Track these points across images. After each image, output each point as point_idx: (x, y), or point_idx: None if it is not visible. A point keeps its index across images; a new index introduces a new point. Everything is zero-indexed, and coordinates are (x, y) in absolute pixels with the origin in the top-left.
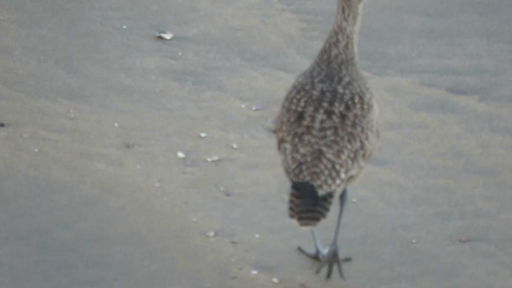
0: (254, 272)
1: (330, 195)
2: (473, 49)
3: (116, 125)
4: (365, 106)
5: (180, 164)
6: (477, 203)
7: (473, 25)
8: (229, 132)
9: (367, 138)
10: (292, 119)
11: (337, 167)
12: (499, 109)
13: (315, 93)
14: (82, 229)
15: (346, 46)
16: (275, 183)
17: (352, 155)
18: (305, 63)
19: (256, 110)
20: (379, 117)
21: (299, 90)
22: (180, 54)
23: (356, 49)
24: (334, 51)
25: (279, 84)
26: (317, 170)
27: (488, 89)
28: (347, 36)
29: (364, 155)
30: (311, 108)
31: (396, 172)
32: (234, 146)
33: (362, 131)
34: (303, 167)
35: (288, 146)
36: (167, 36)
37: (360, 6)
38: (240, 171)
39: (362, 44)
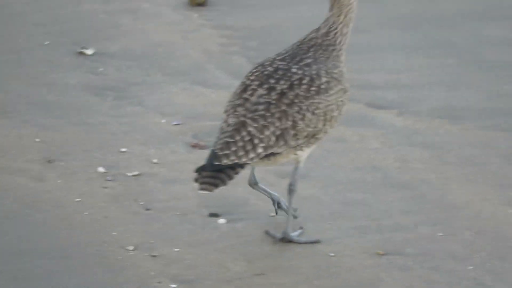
0: (173, 285)
1: (240, 166)
2: (392, 64)
3: (37, 140)
4: (314, 88)
5: (101, 179)
6: (394, 217)
7: (392, 40)
8: (149, 147)
9: (302, 119)
10: (238, 91)
11: (256, 141)
12: (417, 124)
13: (270, 69)
14: (2, 244)
15: (327, 33)
16: (194, 198)
17: (278, 132)
18: (224, 78)
19: (176, 125)
20: (341, 103)
21: (259, 65)
22: (101, 69)
23: (341, 39)
24: (312, 35)
25: (198, 99)
26: (231, 140)
27: (406, 103)
28: (329, 26)
29: (296, 135)
30: (256, 82)
31: (315, 186)
32: (154, 161)
33: (298, 111)
34: (222, 136)
35: (225, 116)
36: (89, 51)
37: (352, 1)
38: (160, 186)
39: None
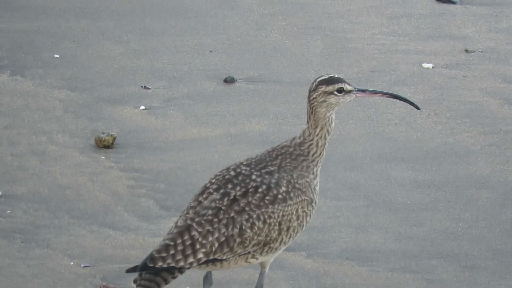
0: None
1: (178, 270)
2: None
3: None
4: (269, 198)
5: None
6: None
7: None
8: None
9: (251, 227)
10: (197, 193)
11: (197, 246)
12: (327, 266)
13: (232, 173)
14: None
15: (301, 144)
16: None
17: (222, 239)
18: (133, 221)
19: (84, 267)
20: (303, 214)
21: (224, 169)
22: (9, 212)
23: (315, 151)
24: (285, 143)
25: (107, 241)
26: (171, 243)
27: (315, 245)
28: (305, 138)
29: (243, 243)
30: (214, 186)
31: None
32: None
33: (247, 219)
34: (166, 237)
35: (179, 216)
36: None
37: (329, 115)
38: None
39: (187, 200)
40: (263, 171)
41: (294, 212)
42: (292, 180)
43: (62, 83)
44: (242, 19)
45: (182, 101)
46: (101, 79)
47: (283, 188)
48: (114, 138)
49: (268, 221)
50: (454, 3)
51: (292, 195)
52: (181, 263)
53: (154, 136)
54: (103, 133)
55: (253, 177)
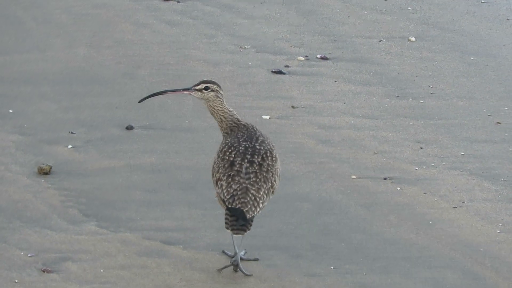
0: None
1: (252, 217)
2: (179, 214)
3: None
4: (273, 158)
5: None
6: None
7: (179, 197)
8: None
9: (275, 180)
10: (226, 165)
11: (258, 199)
12: (197, 254)
13: (241, 148)
14: None
15: (246, 123)
16: None
17: (266, 191)
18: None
19: (31, 256)
20: (279, 164)
21: (229, 146)
22: None
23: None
24: (243, 123)
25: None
26: (245, 200)
27: (189, 241)
28: (245, 124)
29: (273, 192)
30: (239, 159)
31: None
32: None
33: (272, 175)
34: (236, 197)
35: (223, 183)
36: None
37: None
38: None
39: (101, 209)
40: (259, 141)
41: (279, 168)
42: (272, 144)
43: None
44: None
45: None
46: None
47: (274, 151)
48: None
49: (278, 173)
50: (284, 74)
51: (276, 155)
52: (255, 213)
53: None
54: None
55: (257, 146)
